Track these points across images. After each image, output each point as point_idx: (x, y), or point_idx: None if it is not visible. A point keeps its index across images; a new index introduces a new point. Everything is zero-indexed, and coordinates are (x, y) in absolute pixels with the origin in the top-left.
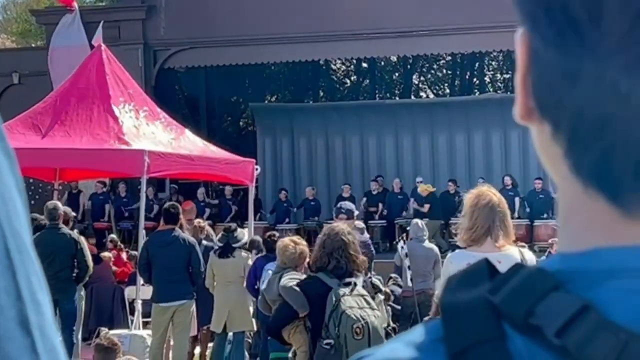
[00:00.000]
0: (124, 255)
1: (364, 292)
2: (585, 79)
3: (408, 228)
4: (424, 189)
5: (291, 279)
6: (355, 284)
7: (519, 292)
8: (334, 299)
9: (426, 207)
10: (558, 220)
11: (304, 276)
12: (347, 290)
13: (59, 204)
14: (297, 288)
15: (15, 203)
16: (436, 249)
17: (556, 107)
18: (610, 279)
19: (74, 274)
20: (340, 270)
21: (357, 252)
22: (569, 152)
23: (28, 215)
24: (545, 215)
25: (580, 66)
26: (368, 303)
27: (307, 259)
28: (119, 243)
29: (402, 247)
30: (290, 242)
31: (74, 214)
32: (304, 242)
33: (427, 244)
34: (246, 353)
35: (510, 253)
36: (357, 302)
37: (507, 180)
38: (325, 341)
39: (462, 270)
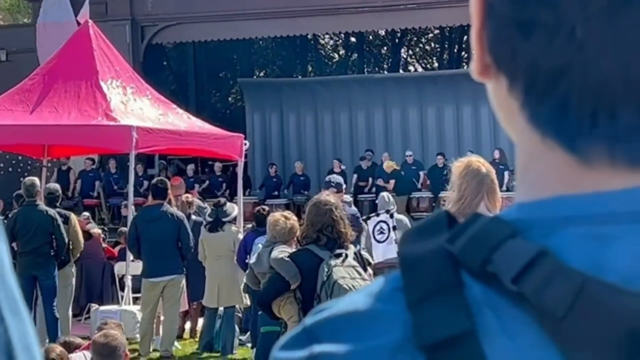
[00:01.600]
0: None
1: (355, 263)
2: (540, 29)
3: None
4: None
5: (282, 252)
6: (346, 255)
7: (476, 240)
8: (325, 269)
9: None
10: (516, 173)
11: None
12: (338, 261)
13: (37, 181)
14: (288, 259)
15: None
16: (406, 219)
17: (511, 60)
18: (567, 226)
19: (53, 251)
20: (331, 242)
21: (345, 226)
22: (526, 104)
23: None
24: None
25: (535, 16)
26: (359, 274)
27: (297, 234)
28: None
29: (381, 222)
30: (281, 216)
31: (59, 192)
32: (295, 217)
33: (396, 215)
34: (237, 328)
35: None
36: (348, 272)
37: (496, 153)
38: None
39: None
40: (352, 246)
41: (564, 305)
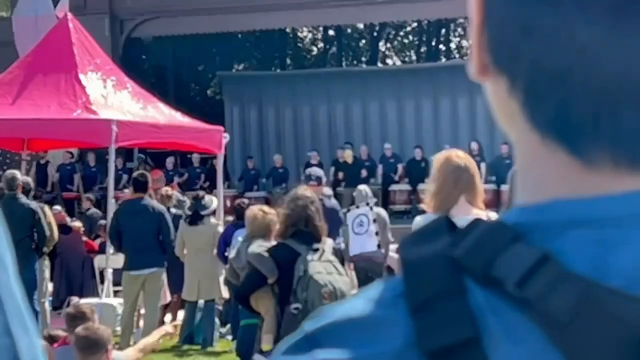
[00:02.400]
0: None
1: (333, 257)
2: (542, 30)
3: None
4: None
5: (259, 246)
6: (323, 250)
7: (479, 245)
8: (302, 264)
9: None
10: (517, 176)
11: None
12: (315, 256)
13: (18, 174)
14: (265, 254)
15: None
16: (384, 213)
17: (512, 60)
18: (569, 230)
19: (34, 244)
20: (308, 237)
21: (321, 220)
22: (526, 105)
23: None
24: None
25: (537, 17)
26: (336, 268)
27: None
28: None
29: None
30: (259, 211)
31: (31, 184)
32: (273, 212)
33: (375, 209)
34: (217, 321)
35: (477, 216)
36: (325, 267)
37: (474, 145)
38: (293, 306)
39: (421, 226)
40: (329, 240)
41: (568, 311)
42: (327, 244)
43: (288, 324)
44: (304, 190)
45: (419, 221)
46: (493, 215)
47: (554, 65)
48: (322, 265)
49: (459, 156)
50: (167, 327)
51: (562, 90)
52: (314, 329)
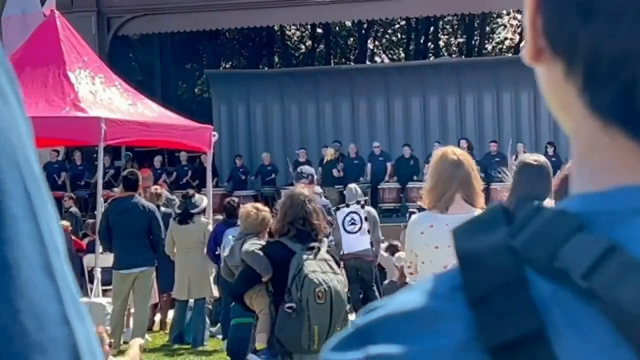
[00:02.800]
0: None
1: (328, 256)
2: (601, 13)
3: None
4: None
5: (253, 244)
6: (319, 249)
7: (541, 234)
8: (296, 262)
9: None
10: (573, 162)
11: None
12: (310, 254)
13: None
14: (260, 252)
15: (28, 146)
16: (374, 211)
17: (570, 44)
18: (636, 218)
19: None
20: (303, 235)
21: (319, 218)
22: (585, 89)
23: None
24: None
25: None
26: (331, 267)
27: (270, 226)
28: None
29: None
30: (252, 208)
31: None
32: (267, 209)
33: (366, 207)
34: (207, 319)
35: (474, 215)
36: (320, 266)
37: (463, 143)
38: (288, 305)
39: (474, 216)
40: (325, 239)
41: (639, 302)
42: (324, 242)
43: (282, 322)
44: (302, 189)
45: (415, 219)
46: None
47: (616, 48)
48: (317, 264)
49: (455, 153)
50: (139, 341)
51: (625, 73)
52: (365, 322)
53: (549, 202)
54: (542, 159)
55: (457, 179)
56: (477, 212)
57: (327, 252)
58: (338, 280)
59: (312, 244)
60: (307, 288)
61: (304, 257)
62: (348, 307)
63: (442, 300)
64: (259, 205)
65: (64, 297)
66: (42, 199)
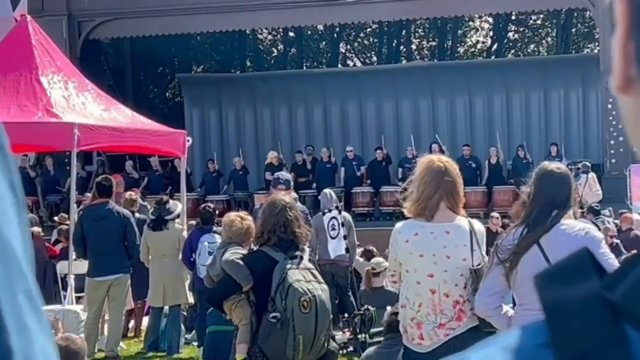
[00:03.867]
0: None
1: (310, 265)
2: None
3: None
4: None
5: (233, 253)
6: (301, 257)
7: None
8: (280, 272)
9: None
10: None
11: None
12: (293, 263)
13: None
14: (240, 261)
15: (3, 203)
16: (349, 217)
17: None
18: None
19: None
20: (285, 243)
21: (300, 226)
22: None
23: (23, 216)
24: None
25: None
26: (315, 276)
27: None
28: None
29: (333, 218)
30: (236, 217)
31: None
32: (250, 218)
33: (342, 212)
34: (182, 326)
35: (459, 224)
36: (303, 275)
37: (435, 147)
38: (272, 314)
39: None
40: (307, 248)
41: None
42: (306, 251)
43: (266, 332)
44: (283, 196)
45: (399, 227)
46: (474, 221)
47: None
48: (301, 273)
49: (441, 160)
50: None
51: None
52: None
53: (570, 212)
54: (563, 167)
55: (442, 187)
56: (460, 219)
57: (309, 260)
58: (322, 289)
59: (295, 253)
60: (291, 297)
61: (287, 266)
62: (332, 316)
63: (527, 358)
64: (243, 213)
65: None
66: (10, 268)
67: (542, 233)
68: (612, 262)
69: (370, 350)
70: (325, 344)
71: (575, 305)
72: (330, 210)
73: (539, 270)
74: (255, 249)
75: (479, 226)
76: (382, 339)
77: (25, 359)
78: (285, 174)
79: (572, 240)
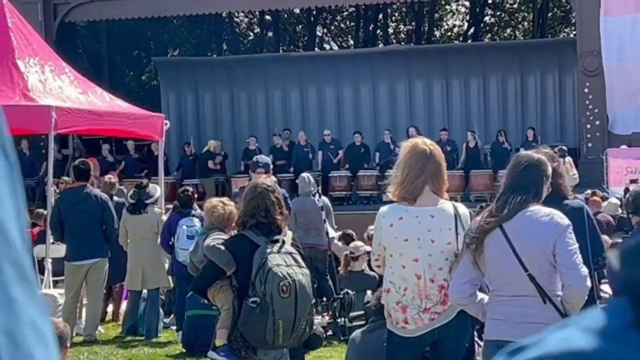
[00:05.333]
0: None
1: (292, 249)
2: None
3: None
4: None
5: (215, 239)
6: (283, 242)
7: None
8: (260, 256)
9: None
10: None
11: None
12: (274, 247)
13: None
14: (221, 246)
15: None
16: (327, 200)
17: None
18: None
19: None
20: (266, 227)
21: (281, 210)
22: None
23: (17, 181)
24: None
25: None
26: (296, 261)
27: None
28: None
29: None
30: (218, 202)
31: None
32: (232, 203)
33: (317, 197)
34: (161, 310)
35: (443, 207)
36: (284, 259)
37: (412, 131)
38: (252, 299)
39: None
40: (289, 232)
41: None
42: (288, 235)
43: (246, 317)
44: (265, 180)
45: (384, 211)
46: (458, 204)
47: None
48: (281, 258)
49: (426, 143)
50: None
51: None
52: None
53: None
54: (537, 157)
55: (427, 170)
56: (445, 203)
57: (292, 245)
58: (303, 274)
59: (276, 237)
60: (271, 282)
61: (268, 250)
62: (313, 300)
63: (612, 341)
64: (225, 199)
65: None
66: None
67: (505, 218)
68: (572, 250)
69: (356, 333)
70: (307, 329)
71: None
72: (311, 195)
73: (501, 255)
74: (237, 232)
75: (463, 209)
76: (362, 322)
77: (8, 335)
78: (264, 157)
79: (535, 225)
